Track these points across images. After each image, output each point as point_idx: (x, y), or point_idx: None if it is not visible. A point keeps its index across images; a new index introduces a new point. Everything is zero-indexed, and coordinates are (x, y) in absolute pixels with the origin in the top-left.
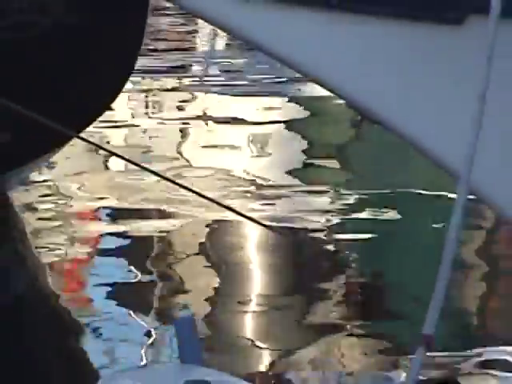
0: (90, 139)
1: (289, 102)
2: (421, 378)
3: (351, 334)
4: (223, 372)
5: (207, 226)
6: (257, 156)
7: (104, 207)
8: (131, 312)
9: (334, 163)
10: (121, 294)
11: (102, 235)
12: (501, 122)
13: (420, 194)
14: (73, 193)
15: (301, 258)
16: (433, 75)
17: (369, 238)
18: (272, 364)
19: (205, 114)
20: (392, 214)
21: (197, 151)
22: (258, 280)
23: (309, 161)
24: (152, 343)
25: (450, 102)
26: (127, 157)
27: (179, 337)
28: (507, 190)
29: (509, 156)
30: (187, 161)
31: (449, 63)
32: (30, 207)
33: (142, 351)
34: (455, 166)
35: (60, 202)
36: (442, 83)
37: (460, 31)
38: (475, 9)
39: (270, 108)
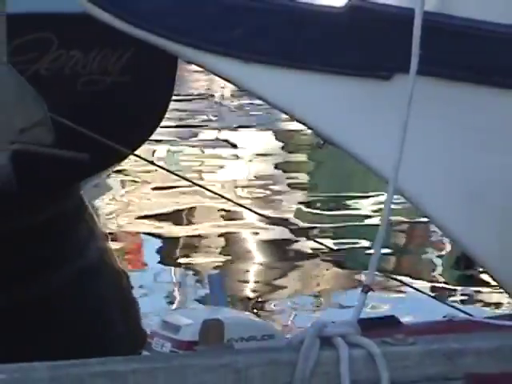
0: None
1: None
2: (362, 316)
3: None
4: (242, 312)
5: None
6: None
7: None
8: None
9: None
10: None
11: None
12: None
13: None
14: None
15: None
16: (369, 116)
17: None
18: None
19: None
20: None
21: None
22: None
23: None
24: None
25: (382, 132)
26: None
27: (211, 287)
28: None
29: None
30: None
31: (380, 108)
32: None
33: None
34: (386, 171)
35: None
36: (376, 121)
37: (388, 85)
38: (400, 68)
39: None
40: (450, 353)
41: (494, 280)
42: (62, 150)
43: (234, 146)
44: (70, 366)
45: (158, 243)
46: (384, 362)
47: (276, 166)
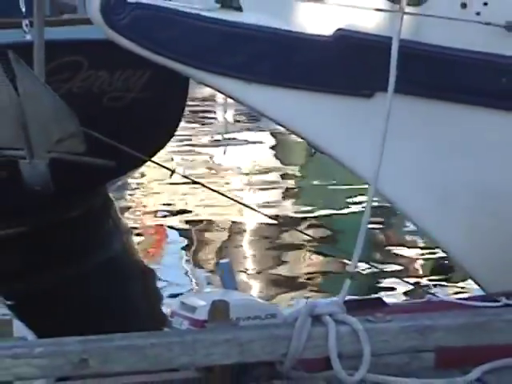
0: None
1: None
2: (348, 298)
3: None
4: (250, 295)
5: None
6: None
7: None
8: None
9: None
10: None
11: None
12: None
13: None
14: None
15: None
16: (354, 129)
17: None
18: None
19: None
20: None
21: None
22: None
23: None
24: None
25: (365, 142)
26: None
27: (222, 273)
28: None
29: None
30: None
31: (363, 122)
32: None
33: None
34: (367, 175)
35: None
36: (359, 133)
37: (370, 102)
38: (380, 88)
39: None
40: (422, 329)
41: (463, 270)
42: (92, 157)
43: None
44: (98, 340)
45: (176, 234)
46: (366, 336)
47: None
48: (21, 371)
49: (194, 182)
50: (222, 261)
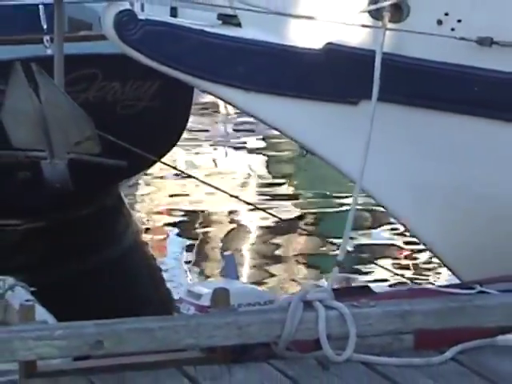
0: None
1: None
2: (336, 286)
3: None
4: (248, 283)
5: None
6: None
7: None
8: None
9: None
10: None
11: None
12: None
13: None
14: None
15: None
16: (341, 133)
17: None
18: None
19: None
20: None
21: None
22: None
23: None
24: None
25: (351, 145)
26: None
27: (226, 264)
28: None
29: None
30: None
31: (350, 127)
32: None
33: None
34: (353, 174)
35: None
36: (346, 137)
37: (356, 109)
38: (365, 96)
39: None
40: (402, 313)
41: (436, 256)
42: (107, 158)
43: None
44: (112, 324)
45: (179, 230)
46: (352, 320)
47: None
48: (42, 351)
49: (197, 180)
50: (225, 253)
